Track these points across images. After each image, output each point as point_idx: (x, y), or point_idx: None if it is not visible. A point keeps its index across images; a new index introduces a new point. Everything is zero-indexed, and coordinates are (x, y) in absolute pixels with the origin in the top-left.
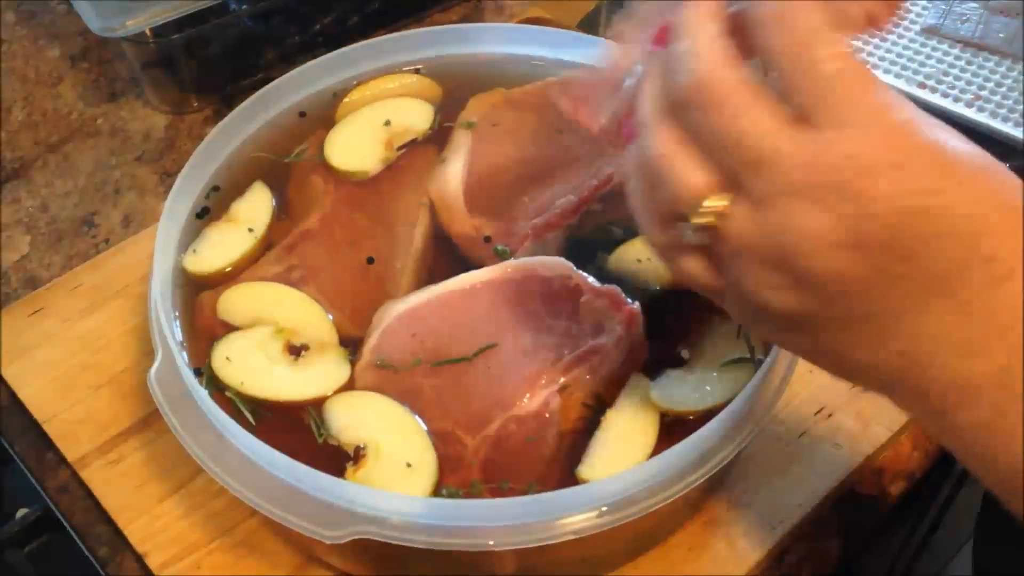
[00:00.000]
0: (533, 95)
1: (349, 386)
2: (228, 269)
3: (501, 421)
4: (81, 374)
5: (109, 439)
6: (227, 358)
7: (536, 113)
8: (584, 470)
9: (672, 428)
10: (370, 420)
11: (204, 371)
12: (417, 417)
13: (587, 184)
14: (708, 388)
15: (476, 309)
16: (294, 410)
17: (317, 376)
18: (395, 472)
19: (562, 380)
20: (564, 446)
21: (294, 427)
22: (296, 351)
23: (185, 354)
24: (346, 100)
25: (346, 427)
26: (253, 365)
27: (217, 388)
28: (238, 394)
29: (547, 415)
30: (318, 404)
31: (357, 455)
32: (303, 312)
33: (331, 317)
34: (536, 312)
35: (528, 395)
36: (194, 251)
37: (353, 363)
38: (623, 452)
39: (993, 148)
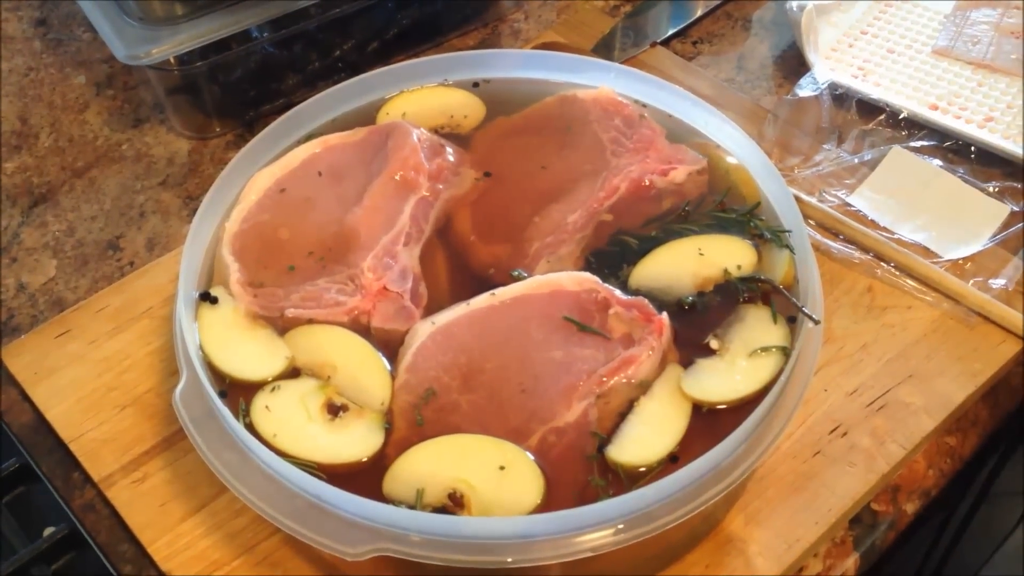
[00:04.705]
0: (533, 116)
1: (381, 452)
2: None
3: (541, 434)
4: (106, 395)
5: (133, 458)
6: (266, 407)
7: (538, 134)
8: (613, 450)
9: (706, 418)
10: (438, 467)
11: (242, 417)
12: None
13: (594, 196)
14: (738, 377)
15: (507, 324)
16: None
17: (348, 441)
18: (498, 482)
19: (598, 391)
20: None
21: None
22: (335, 410)
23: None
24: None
25: (429, 486)
26: (290, 418)
27: (255, 435)
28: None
29: (586, 425)
30: (348, 470)
31: (457, 501)
32: (363, 362)
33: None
34: (566, 325)
35: (566, 407)
36: None
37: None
38: (651, 436)
39: (1003, 168)
